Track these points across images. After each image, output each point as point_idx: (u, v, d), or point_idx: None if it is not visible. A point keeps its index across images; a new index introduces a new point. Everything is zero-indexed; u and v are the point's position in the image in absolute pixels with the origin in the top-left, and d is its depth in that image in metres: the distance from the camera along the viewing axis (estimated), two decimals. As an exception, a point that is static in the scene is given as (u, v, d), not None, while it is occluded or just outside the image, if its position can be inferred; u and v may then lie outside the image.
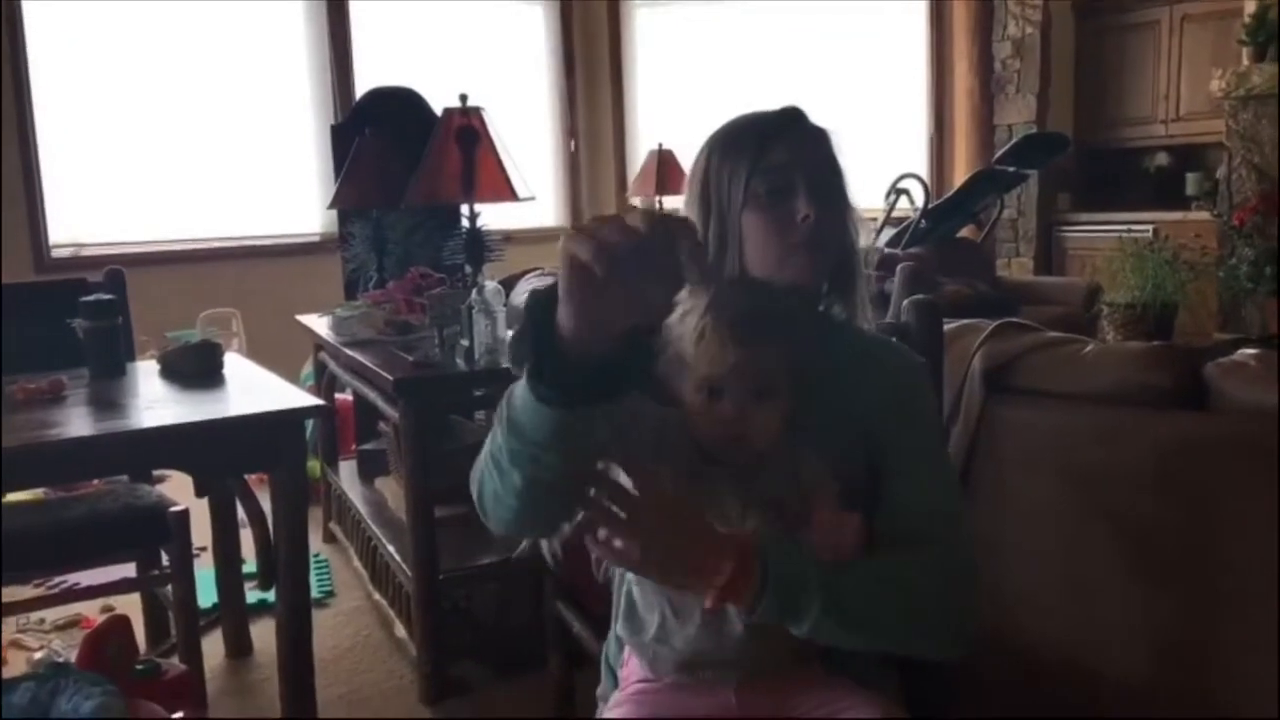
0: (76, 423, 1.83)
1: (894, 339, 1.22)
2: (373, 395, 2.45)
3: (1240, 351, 1.58)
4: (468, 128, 2.26)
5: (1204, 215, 5.05)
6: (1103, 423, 1.57)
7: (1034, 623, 1.61)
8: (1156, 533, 1.49)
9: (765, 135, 1.11)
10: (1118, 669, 1.52)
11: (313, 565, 2.80)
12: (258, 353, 3.65)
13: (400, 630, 2.50)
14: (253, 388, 2.10)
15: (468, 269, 2.39)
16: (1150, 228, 5.10)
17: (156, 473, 2.83)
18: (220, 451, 1.85)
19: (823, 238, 1.09)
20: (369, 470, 3.07)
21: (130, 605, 2.47)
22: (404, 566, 2.34)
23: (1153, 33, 5.49)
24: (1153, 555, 1.50)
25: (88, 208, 4.39)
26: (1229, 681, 1.40)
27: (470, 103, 2.36)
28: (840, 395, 1.09)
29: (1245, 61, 4.81)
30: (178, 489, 2.60)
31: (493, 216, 2.46)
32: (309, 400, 1.99)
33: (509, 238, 2.58)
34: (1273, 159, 4.74)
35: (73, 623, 2.61)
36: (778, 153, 1.10)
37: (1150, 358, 1.55)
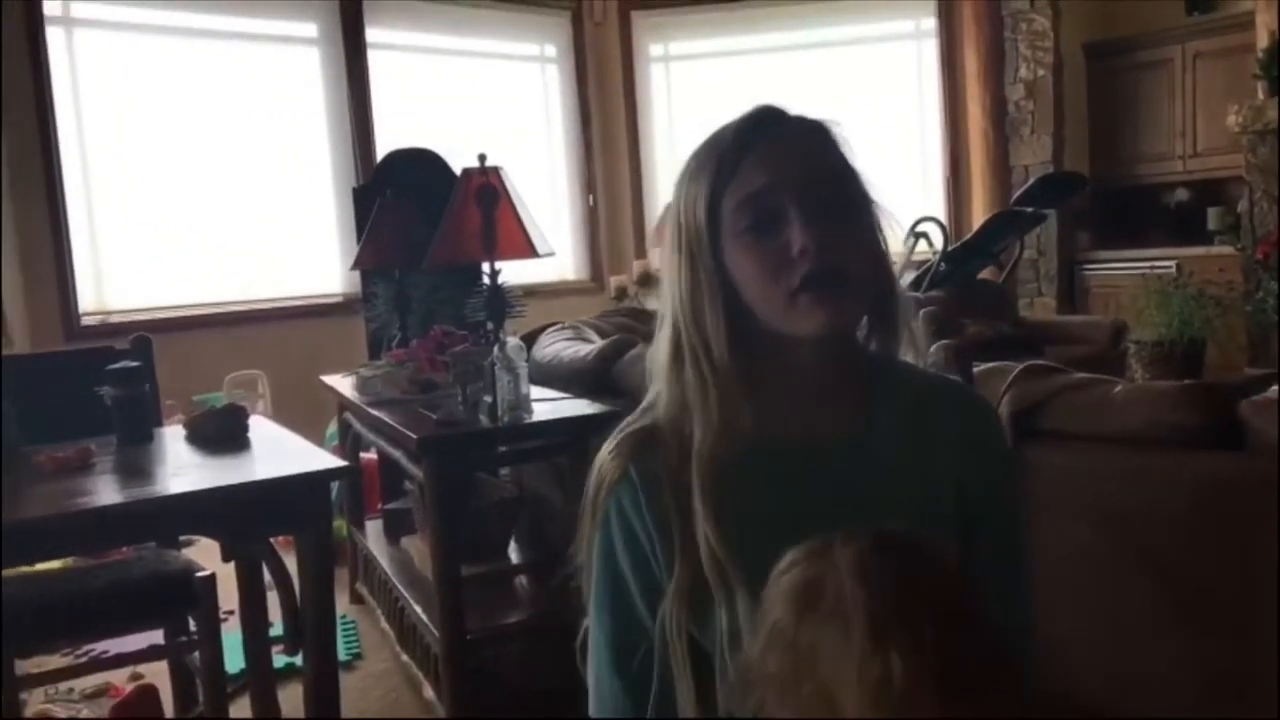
0: (104, 491, 1.84)
1: (957, 379, 1.11)
2: (397, 454, 2.45)
3: (1273, 388, 1.56)
4: (487, 187, 2.28)
5: (1227, 249, 5.01)
6: (1135, 465, 1.55)
7: (1066, 668, 1.57)
8: (1192, 577, 1.46)
9: (733, 149, 0.89)
10: (1151, 712, 1.48)
11: (340, 627, 2.79)
12: (283, 413, 3.68)
13: (429, 691, 2.47)
14: (278, 450, 2.11)
15: (489, 326, 2.40)
16: (1173, 264, 5.07)
17: (183, 538, 2.83)
18: (247, 515, 1.85)
19: (835, 270, 0.85)
20: (395, 529, 3.06)
21: (158, 672, 2.46)
22: (431, 626, 2.32)
23: (1166, 70, 5.50)
24: (1189, 600, 1.46)
25: (114, 274, 4.46)
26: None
27: (489, 161, 2.39)
28: (911, 461, 0.92)
29: (1260, 95, 4.81)
30: (204, 554, 2.60)
31: (513, 272, 2.48)
32: (334, 462, 1.99)
33: (530, 292, 2.59)
34: (1294, 191, 4.71)
35: (101, 691, 2.60)
36: (752, 169, 0.87)
37: (1182, 397, 1.53)
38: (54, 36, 4.25)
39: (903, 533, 0.74)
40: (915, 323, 0.97)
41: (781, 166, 0.87)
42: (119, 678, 2.61)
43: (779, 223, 0.86)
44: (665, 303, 0.93)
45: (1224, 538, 1.43)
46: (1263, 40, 4.76)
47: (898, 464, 0.92)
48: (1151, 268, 5.04)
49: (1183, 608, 1.45)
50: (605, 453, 0.95)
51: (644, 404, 0.97)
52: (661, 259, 0.97)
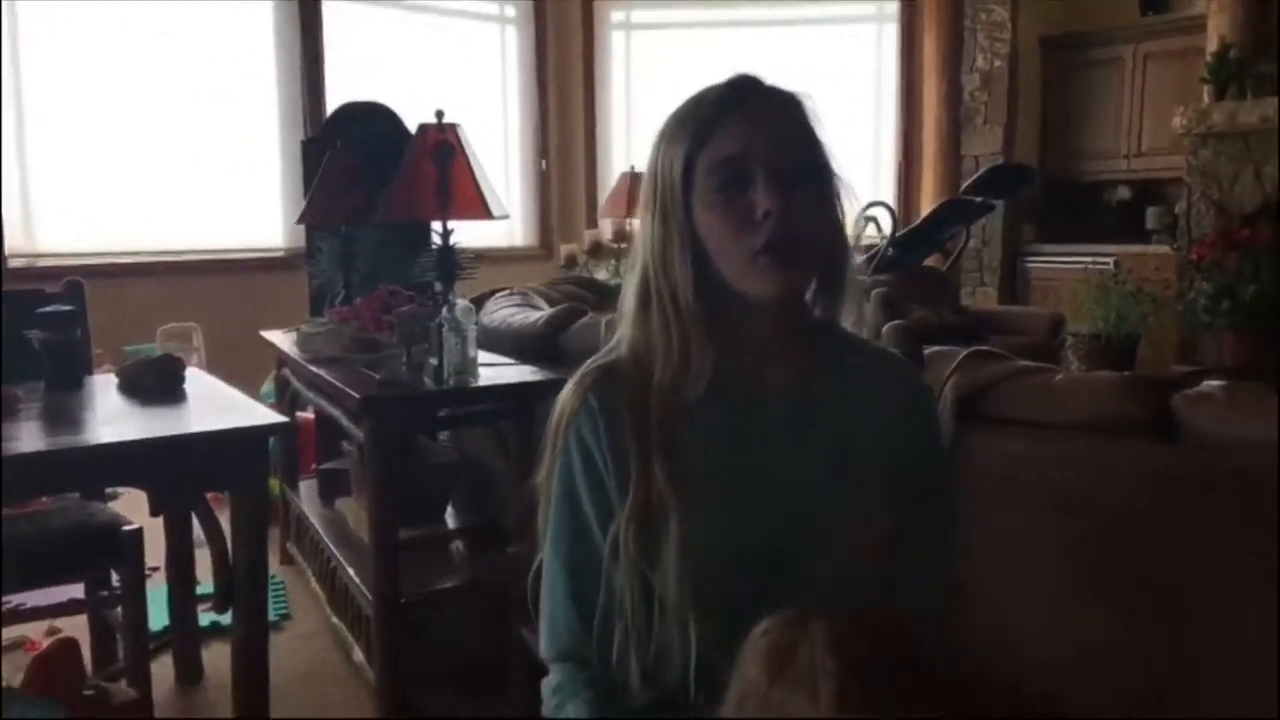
0: (30, 437, 1.77)
1: (894, 351, 1.14)
2: (337, 413, 2.40)
3: (1205, 383, 1.60)
4: (444, 144, 2.24)
5: (1164, 249, 5.13)
6: (1075, 452, 1.58)
7: (1007, 654, 1.60)
8: (1130, 563, 1.49)
9: (710, 114, 0.95)
10: (1089, 700, 1.52)
11: (269, 587, 2.74)
12: (218, 368, 3.58)
13: (359, 654, 2.44)
14: (215, 404, 2.05)
15: (438, 286, 2.35)
16: (1112, 260, 5.17)
17: (110, 490, 2.76)
18: (181, 469, 1.80)
19: (794, 235, 0.92)
20: (330, 490, 3.01)
21: (76, 627, 2.39)
22: (364, 589, 2.29)
23: (1117, 69, 5.59)
24: (1126, 585, 1.50)
25: (45, 216, 4.30)
26: (1199, 709, 1.39)
27: (446, 119, 2.34)
28: (850, 420, 0.99)
29: (1206, 99, 4.92)
30: (131, 506, 2.53)
31: (462, 235, 2.43)
32: (273, 418, 1.95)
33: (480, 256, 2.55)
34: (1231, 195, 4.83)
35: (16, 645, 2.52)
36: (726, 135, 0.93)
37: (1121, 388, 1.55)
38: (-12, -37, 4.06)
39: (877, 612, 0.81)
40: (862, 295, 1.05)
41: (754, 135, 0.93)
42: (35, 631, 2.54)
43: (747, 187, 0.92)
44: (636, 252, 1.00)
45: (1159, 525, 1.46)
46: (1212, 44, 4.86)
47: (836, 420, 0.99)
48: (1092, 263, 5.14)
49: (1120, 593, 1.48)
50: (568, 387, 1.02)
51: (607, 347, 1.03)
52: (637, 210, 1.02)
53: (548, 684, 1.03)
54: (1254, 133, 4.71)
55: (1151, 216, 5.44)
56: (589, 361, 1.03)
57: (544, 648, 1.03)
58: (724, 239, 0.94)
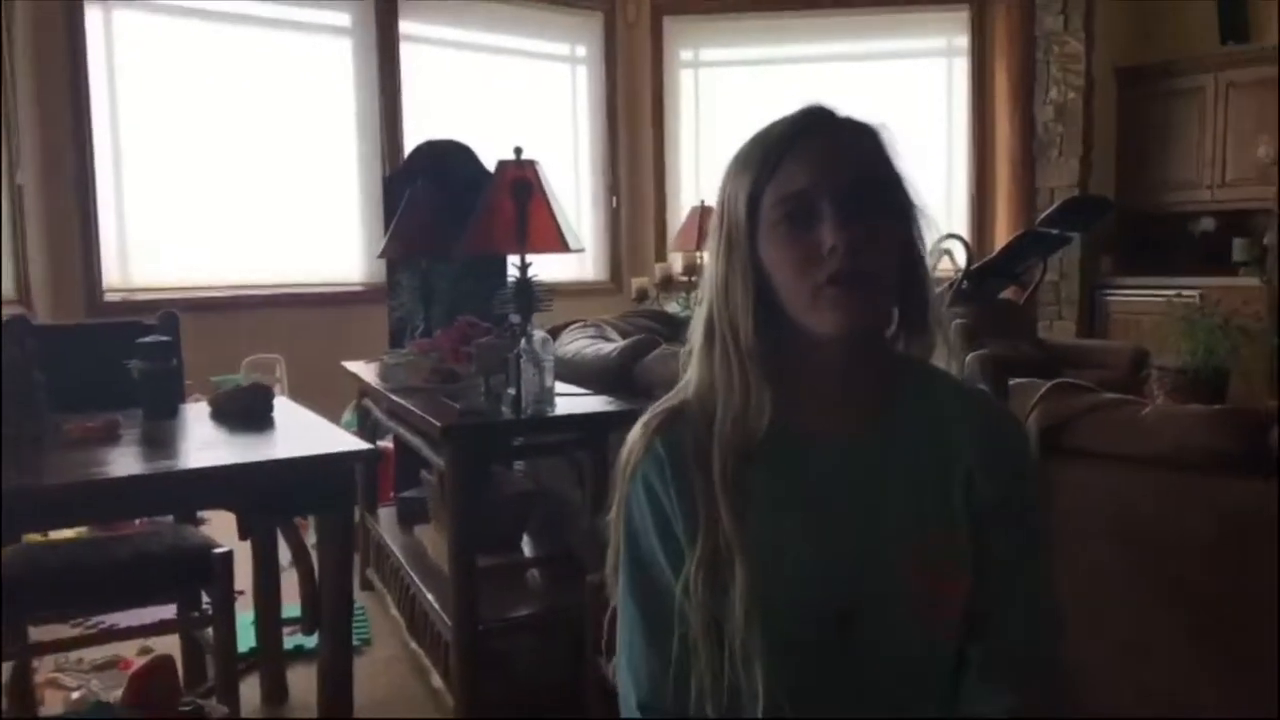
0: (126, 462, 1.85)
1: (983, 389, 1.12)
2: (417, 442, 2.45)
3: (1305, 418, 1.55)
4: (522, 179, 2.29)
5: (1252, 281, 4.98)
6: (1164, 487, 1.54)
7: (1089, 689, 1.56)
8: (1216, 601, 1.45)
9: (779, 146, 0.92)
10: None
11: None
12: (299, 399, 3.66)
13: (437, 681, 2.47)
14: (302, 431, 2.12)
15: (515, 318, 2.40)
16: (1197, 293, 5.04)
17: (200, 515, 2.85)
18: (269, 493, 1.86)
19: (862, 270, 0.88)
20: (409, 518, 3.07)
21: (168, 647, 2.47)
22: (443, 616, 2.32)
23: (1198, 99, 5.48)
24: (1212, 625, 1.45)
25: (139, 252, 4.49)
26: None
27: (524, 156, 2.40)
28: (931, 463, 0.94)
29: (1292, 128, 4.79)
30: (219, 530, 2.61)
31: (538, 269, 2.48)
32: (359, 444, 2.00)
33: (554, 289, 2.60)
34: (1322, 226, 4.69)
35: (110, 663, 2.61)
36: (794, 167, 0.90)
37: (1215, 421, 1.52)
38: (92, 15, 4.29)
39: None
40: (950, 330, 0.98)
41: (823, 168, 0.90)
42: (128, 650, 2.62)
43: (814, 220, 0.89)
44: (703, 288, 0.98)
45: (1250, 564, 1.42)
46: (1297, 73, 4.75)
47: (912, 467, 0.94)
48: (1176, 295, 5.01)
49: (1206, 633, 1.44)
50: (636, 429, 1.00)
51: (678, 386, 1.01)
52: (705, 246, 1.00)
53: None
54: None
55: (1238, 248, 5.29)
56: (657, 404, 1.01)
57: (626, 698, 1.00)
58: (789, 273, 0.91)
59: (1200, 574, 1.47)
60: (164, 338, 2.27)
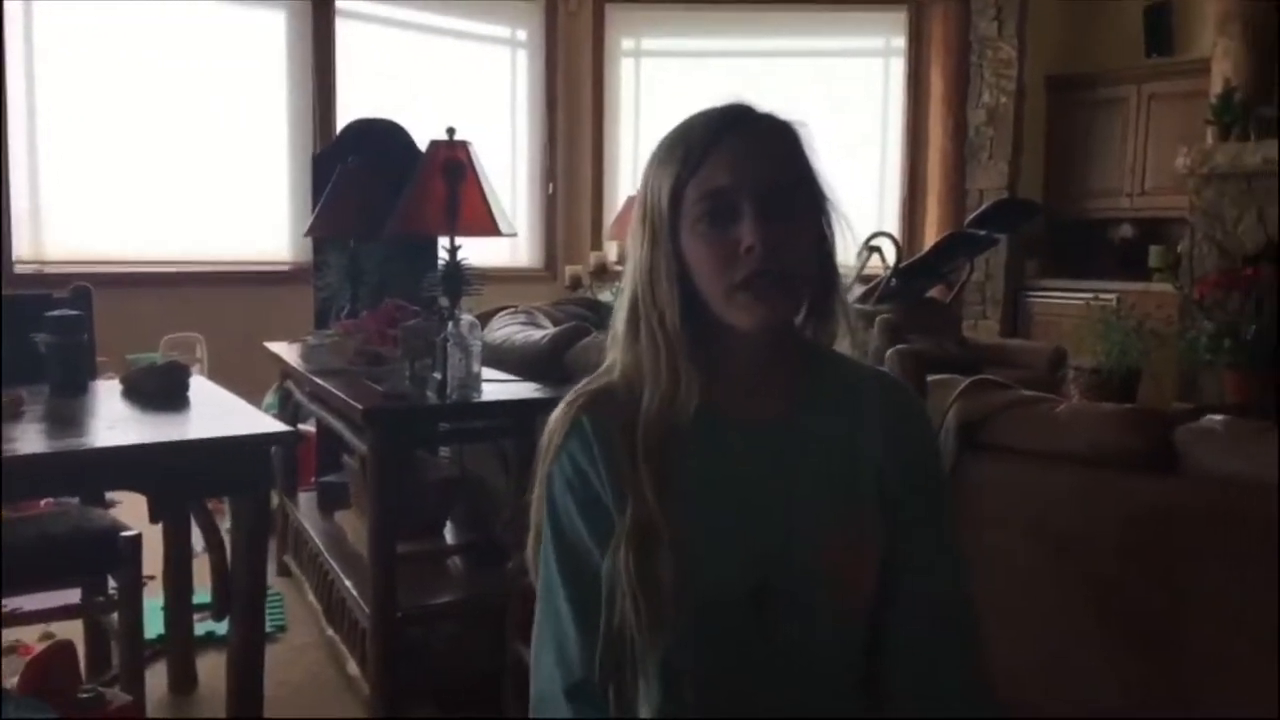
0: (31, 439, 1.77)
1: (886, 371, 1.12)
2: (339, 425, 2.41)
3: (1207, 418, 1.60)
4: (454, 160, 2.25)
5: (1166, 287, 5.15)
6: (1075, 483, 1.58)
7: (1002, 684, 1.60)
8: (1124, 593, 1.50)
9: (701, 142, 0.94)
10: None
11: (266, 598, 2.73)
12: (220, 379, 3.57)
13: (353, 668, 2.43)
14: (218, 412, 2.06)
15: (444, 302, 2.36)
16: (1114, 296, 5.19)
17: (109, 496, 2.76)
18: (182, 475, 1.80)
19: (777, 269, 0.91)
20: (329, 503, 3.01)
21: (71, 632, 2.38)
22: (361, 602, 2.28)
23: (1121, 109, 5.64)
24: (1123, 619, 1.50)
25: (54, 223, 4.33)
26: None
27: (457, 137, 2.36)
28: (842, 446, 0.98)
29: (1210, 140, 4.95)
30: (128, 513, 2.53)
31: (470, 252, 2.45)
32: (277, 426, 1.96)
33: (485, 274, 2.56)
34: (1234, 236, 4.86)
35: (11, 649, 2.51)
36: (715, 164, 0.93)
37: (1124, 420, 1.56)
38: (8, -27, 4.11)
39: None
40: (857, 320, 1.02)
41: (744, 166, 0.92)
42: (29, 635, 2.52)
43: (733, 219, 0.92)
44: (626, 275, 1.00)
45: (1155, 557, 1.46)
46: (1217, 86, 4.90)
47: (825, 444, 0.98)
48: (1094, 299, 5.16)
49: (1114, 624, 1.48)
50: (559, 409, 1.01)
51: (601, 369, 1.02)
52: (628, 233, 1.01)
53: None
54: (1257, 174, 4.74)
55: (1154, 255, 5.47)
56: (580, 385, 1.02)
57: (549, 682, 0.97)
58: (707, 269, 0.93)
59: (1110, 567, 1.51)
60: (74, 311, 2.19)
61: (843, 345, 1.03)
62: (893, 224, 5.82)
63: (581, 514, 0.97)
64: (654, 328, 0.96)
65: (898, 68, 6.00)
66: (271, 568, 3.09)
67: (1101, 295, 5.22)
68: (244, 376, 3.72)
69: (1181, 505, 1.48)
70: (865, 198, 5.88)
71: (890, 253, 4.73)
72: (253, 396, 3.63)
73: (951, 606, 1.01)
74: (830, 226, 0.98)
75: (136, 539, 2.11)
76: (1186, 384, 4.85)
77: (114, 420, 1.95)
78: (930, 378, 1.70)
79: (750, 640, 0.95)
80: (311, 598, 2.84)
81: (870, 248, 4.75)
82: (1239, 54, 4.85)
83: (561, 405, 1.01)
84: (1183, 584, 1.41)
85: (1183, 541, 1.44)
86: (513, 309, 3.30)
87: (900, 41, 5.97)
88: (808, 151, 0.97)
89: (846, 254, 1.00)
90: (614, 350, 1.01)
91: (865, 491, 0.98)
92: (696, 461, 0.97)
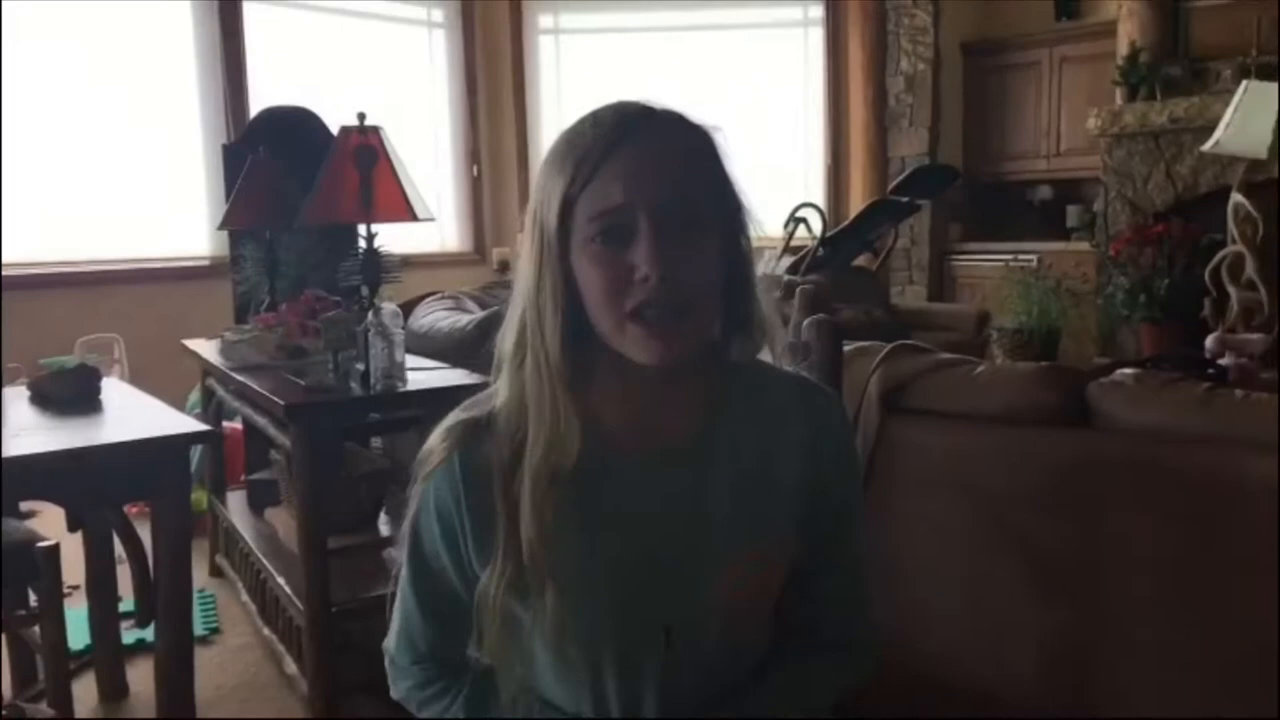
0: (-66, 452, 1.70)
1: (808, 378, 1.07)
2: (263, 422, 2.36)
3: (1119, 372, 1.65)
4: (365, 146, 2.21)
5: (1083, 246, 5.29)
6: (995, 441, 1.62)
7: (933, 641, 1.63)
8: (1048, 547, 1.54)
9: (596, 152, 0.83)
10: (1013, 682, 1.55)
11: (197, 600, 2.67)
12: (141, 380, 3.49)
13: (291, 666, 2.39)
14: (132, 414, 2.00)
15: (364, 291, 2.32)
16: (1035, 257, 5.32)
17: (26, 507, 2.67)
18: (96, 481, 1.75)
19: (676, 302, 0.82)
20: (259, 501, 2.95)
21: (-7, 648, 2.31)
22: (295, 599, 2.25)
23: (1034, 72, 5.75)
24: (1045, 570, 1.54)
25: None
26: (1113, 690, 1.44)
27: (369, 122, 2.31)
28: (754, 469, 0.93)
29: (1118, 101, 5.08)
30: (48, 524, 2.45)
31: (392, 239, 2.41)
32: (193, 425, 1.91)
33: (408, 261, 2.52)
34: (1144, 193, 5.00)
35: (-71, 670, 2.42)
36: (611, 178, 0.82)
37: (1038, 378, 1.60)
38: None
39: None
40: (777, 331, 0.96)
41: (640, 180, 0.82)
42: (-50, 655, 2.44)
43: (628, 240, 0.82)
44: (516, 291, 0.90)
45: (1075, 511, 1.50)
46: (1123, 48, 5.03)
47: (738, 468, 0.91)
48: (1015, 260, 5.28)
49: (1038, 576, 1.52)
50: (437, 434, 0.94)
51: (486, 392, 0.94)
52: (518, 241, 0.94)
53: (405, 683, 1.04)
54: (1164, 133, 4.88)
55: (1072, 214, 5.61)
56: (463, 408, 0.94)
57: (398, 652, 1.04)
58: (598, 295, 0.83)
59: (1033, 522, 1.55)
60: (-26, 318, 2.10)
61: (766, 355, 0.97)
62: (817, 194, 5.86)
63: (442, 547, 0.94)
64: (539, 358, 0.86)
65: (817, 37, 6.03)
66: (204, 569, 3.03)
67: (1021, 256, 5.35)
68: (166, 376, 3.63)
69: (1096, 458, 1.52)
70: (789, 169, 5.92)
71: (816, 223, 4.78)
72: (176, 395, 3.55)
73: (853, 625, 1.05)
74: (745, 238, 0.90)
75: (54, 549, 2.04)
76: (1106, 340, 5.00)
77: (20, 428, 1.88)
78: (849, 346, 1.72)
79: (650, 679, 0.93)
80: (245, 597, 2.79)
81: (796, 219, 4.80)
82: (1143, 15, 4.98)
83: (440, 430, 0.94)
84: (1103, 535, 1.45)
85: (1100, 493, 1.49)
86: (438, 294, 3.27)
87: (818, 11, 6.01)
88: (719, 159, 0.88)
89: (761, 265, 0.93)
90: (500, 378, 0.91)
91: (779, 514, 0.94)
92: (586, 502, 0.89)
